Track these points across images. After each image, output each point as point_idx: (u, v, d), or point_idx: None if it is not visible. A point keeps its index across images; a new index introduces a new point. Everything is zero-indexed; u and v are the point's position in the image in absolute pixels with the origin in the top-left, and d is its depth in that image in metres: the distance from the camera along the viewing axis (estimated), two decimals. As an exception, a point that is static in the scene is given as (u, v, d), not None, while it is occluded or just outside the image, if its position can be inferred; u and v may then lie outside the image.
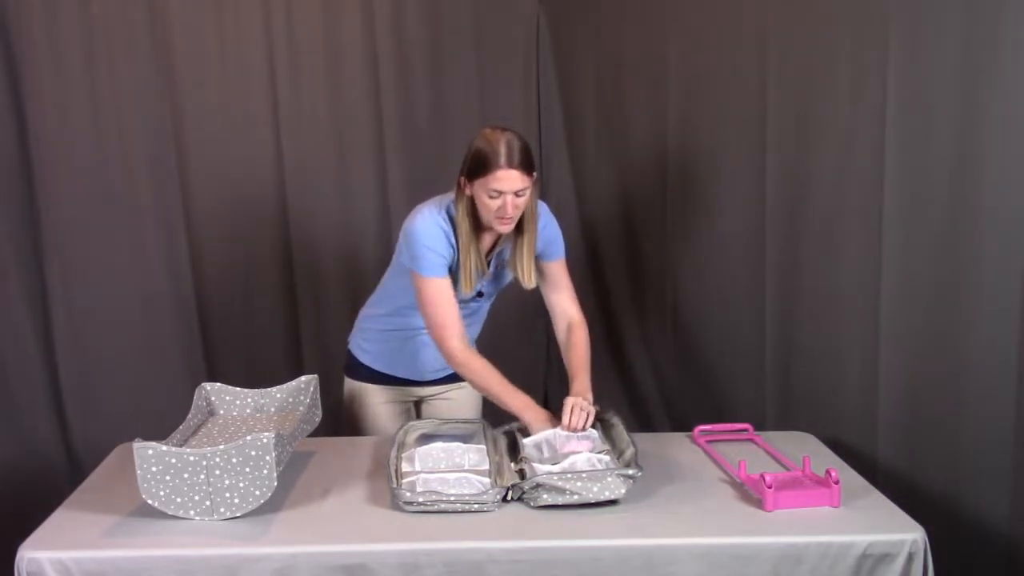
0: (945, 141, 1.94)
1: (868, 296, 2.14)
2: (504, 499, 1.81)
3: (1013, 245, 1.85)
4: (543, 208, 2.16)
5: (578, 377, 2.11)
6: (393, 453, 1.96)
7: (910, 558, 1.66)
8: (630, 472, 1.79)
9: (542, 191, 3.27)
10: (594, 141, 3.18)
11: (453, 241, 2.06)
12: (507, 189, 1.94)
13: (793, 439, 2.18)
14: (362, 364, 2.31)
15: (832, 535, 1.67)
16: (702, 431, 2.20)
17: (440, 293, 2.04)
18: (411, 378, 2.28)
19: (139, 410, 2.91)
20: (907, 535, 1.67)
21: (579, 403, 2.00)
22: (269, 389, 2.19)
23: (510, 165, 1.93)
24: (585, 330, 2.20)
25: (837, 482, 1.79)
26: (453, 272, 2.08)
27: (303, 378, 2.20)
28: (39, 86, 2.75)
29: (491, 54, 3.14)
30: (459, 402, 2.34)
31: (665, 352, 2.98)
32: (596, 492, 1.77)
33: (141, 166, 2.89)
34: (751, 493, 1.84)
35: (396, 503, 1.78)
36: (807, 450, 2.04)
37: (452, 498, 1.76)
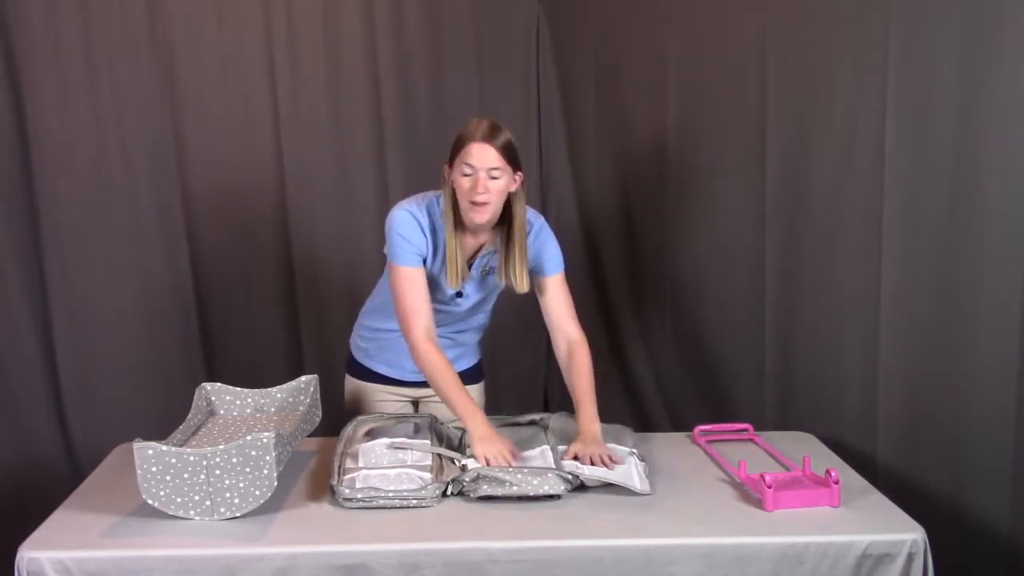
0: (945, 141, 1.94)
1: (868, 296, 2.15)
2: (444, 494, 1.83)
3: (1013, 245, 1.85)
4: (544, 227, 2.14)
5: (584, 404, 2.04)
6: (339, 449, 1.97)
7: (910, 558, 1.66)
8: (569, 476, 1.82)
9: (542, 191, 3.27)
10: (594, 141, 3.18)
11: (428, 235, 2.06)
12: (479, 164, 1.92)
13: (793, 439, 2.18)
14: (358, 362, 2.31)
15: (832, 535, 1.67)
16: (702, 431, 2.20)
17: (411, 281, 2.03)
18: (398, 378, 2.27)
19: (139, 410, 2.90)
20: (907, 535, 1.67)
21: (593, 455, 1.93)
22: (269, 389, 2.19)
23: (484, 140, 1.93)
24: (587, 349, 2.12)
25: (837, 482, 1.79)
26: (429, 266, 2.08)
27: (303, 378, 2.20)
28: (39, 86, 2.75)
29: (491, 54, 3.14)
30: None
31: (665, 352, 2.98)
32: (536, 485, 1.80)
33: (141, 166, 2.88)
34: (751, 493, 1.84)
35: (335, 499, 1.80)
36: (807, 450, 2.04)
37: (391, 494, 1.78)
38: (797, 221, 2.37)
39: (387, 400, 2.30)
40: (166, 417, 2.22)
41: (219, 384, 2.19)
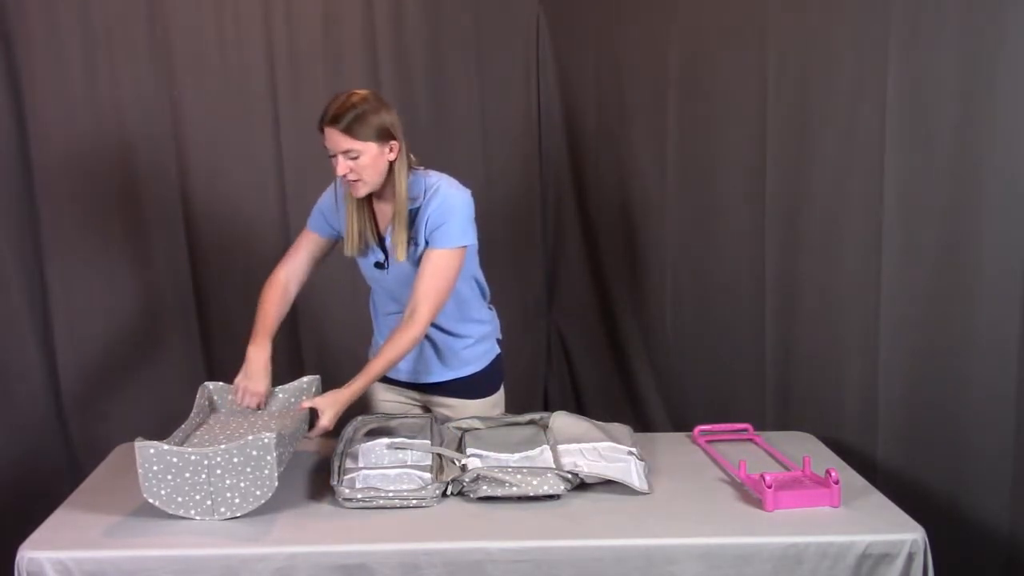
0: (945, 141, 1.95)
1: (868, 296, 2.15)
2: (444, 494, 1.83)
3: (1013, 245, 1.85)
4: (436, 196, 2.02)
5: (358, 379, 1.98)
6: (339, 449, 1.97)
7: (910, 558, 1.66)
8: (569, 476, 1.83)
9: (543, 190, 3.27)
10: (594, 141, 3.18)
11: (341, 205, 2.13)
12: (332, 148, 1.97)
13: (793, 439, 2.18)
14: None
15: (832, 535, 1.67)
16: (702, 431, 2.20)
17: (301, 238, 2.21)
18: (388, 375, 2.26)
19: (139, 410, 2.90)
20: (907, 535, 1.67)
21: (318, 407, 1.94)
22: (272, 388, 2.19)
23: (324, 123, 1.95)
24: (413, 332, 2.00)
25: (837, 482, 1.79)
26: (339, 236, 2.17)
27: (305, 379, 2.19)
28: (39, 86, 2.75)
29: (491, 54, 3.14)
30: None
31: (665, 352, 2.98)
32: (536, 485, 1.80)
33: (141, 166, 2.88)
34: (751, 493, 1.84)
35: (335, 499, 1.80)
36: (807, 450, 2.04)
37: (391, 494, 1.78)
38: (797, 221, 2.37)
39: (391, 401, 2.29)
40: (166, 417, 2.22)
41: (221, 383, 2.18)
